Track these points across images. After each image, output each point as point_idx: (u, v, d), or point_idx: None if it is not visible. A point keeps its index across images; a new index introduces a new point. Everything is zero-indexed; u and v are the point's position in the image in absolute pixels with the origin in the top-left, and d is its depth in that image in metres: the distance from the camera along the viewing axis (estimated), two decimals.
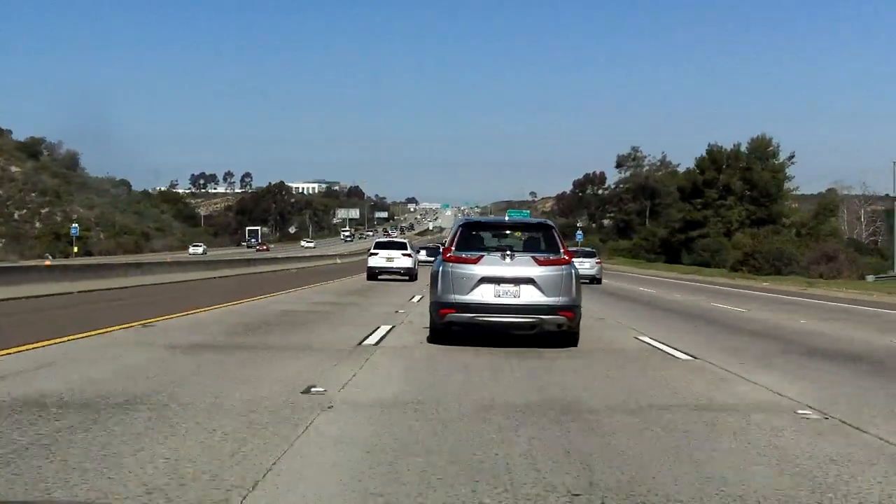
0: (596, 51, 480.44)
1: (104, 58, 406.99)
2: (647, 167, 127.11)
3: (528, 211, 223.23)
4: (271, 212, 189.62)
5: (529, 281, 10.95)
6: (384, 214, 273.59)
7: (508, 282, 10.96)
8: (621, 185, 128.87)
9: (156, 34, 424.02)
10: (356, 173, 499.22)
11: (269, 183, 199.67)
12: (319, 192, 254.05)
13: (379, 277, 34.15)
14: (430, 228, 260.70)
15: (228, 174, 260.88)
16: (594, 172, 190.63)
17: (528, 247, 11.96)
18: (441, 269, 11.29)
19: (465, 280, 11.02)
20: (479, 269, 11.06)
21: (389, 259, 34.64)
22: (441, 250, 12.40)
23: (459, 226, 11.91)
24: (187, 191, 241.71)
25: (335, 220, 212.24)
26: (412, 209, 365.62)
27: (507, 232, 13.02)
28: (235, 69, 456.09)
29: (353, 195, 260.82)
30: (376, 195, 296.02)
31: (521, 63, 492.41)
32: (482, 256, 11.20)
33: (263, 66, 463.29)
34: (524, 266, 11.05)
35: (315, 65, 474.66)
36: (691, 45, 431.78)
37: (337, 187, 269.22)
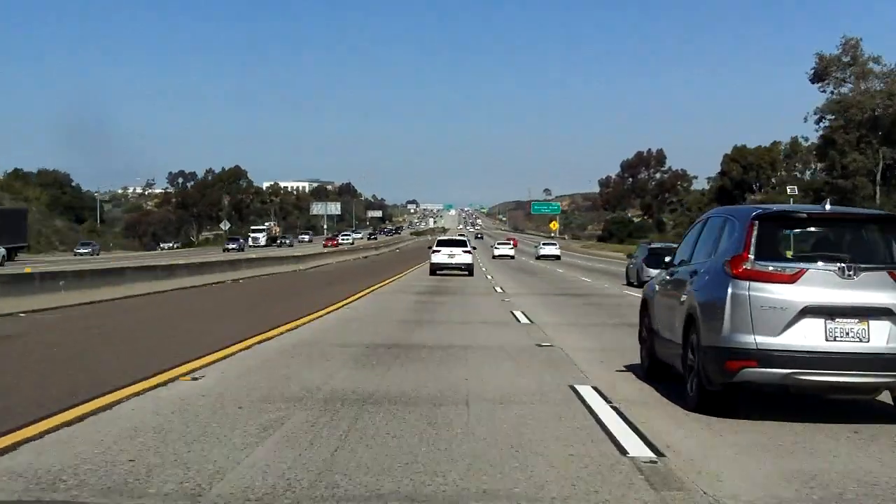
0: (597, 51, 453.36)
1: (104, 58, 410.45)
2: (872, 81, 62.79)
3: (558, 204, 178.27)
4: (222, 206, 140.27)
5: (887, 313, 6.60)
6: (378, 213, 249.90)
7: (850, 314, 6.60)
8: (827, 119, 63.61)
9: (156, 34, 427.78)
10: (354, 175, 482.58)
11: (222, 168, 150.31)
12: (310, 190, 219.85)
13: (438, 273, 35.97)
14: (433, 227, 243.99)
15: (209, 172, 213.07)
16: (649, 150, 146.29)
17: (866, 253, 6.98)
18: (730, 291, 6.82)
19: (777, 311, 6.63)
20: (800, 293, 6.64)
21: (451, 256, 36.95)
22: (727, 260, 7.09)
23: (752, 218, 7.02)
24: (163, 189, 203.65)
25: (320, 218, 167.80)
26: (412, 210, 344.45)
27: (823, 230, 7.40)
28: (233, 68, 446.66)
29: (345, 193, 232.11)
30: (373, 196, 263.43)
31: (524, 65, 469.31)
32: (803, 271, 6.72)
33: (262, 65, 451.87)
34: (876, 288, 6.65)
35: (316, 63, 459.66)
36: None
37: (330, 186, 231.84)
